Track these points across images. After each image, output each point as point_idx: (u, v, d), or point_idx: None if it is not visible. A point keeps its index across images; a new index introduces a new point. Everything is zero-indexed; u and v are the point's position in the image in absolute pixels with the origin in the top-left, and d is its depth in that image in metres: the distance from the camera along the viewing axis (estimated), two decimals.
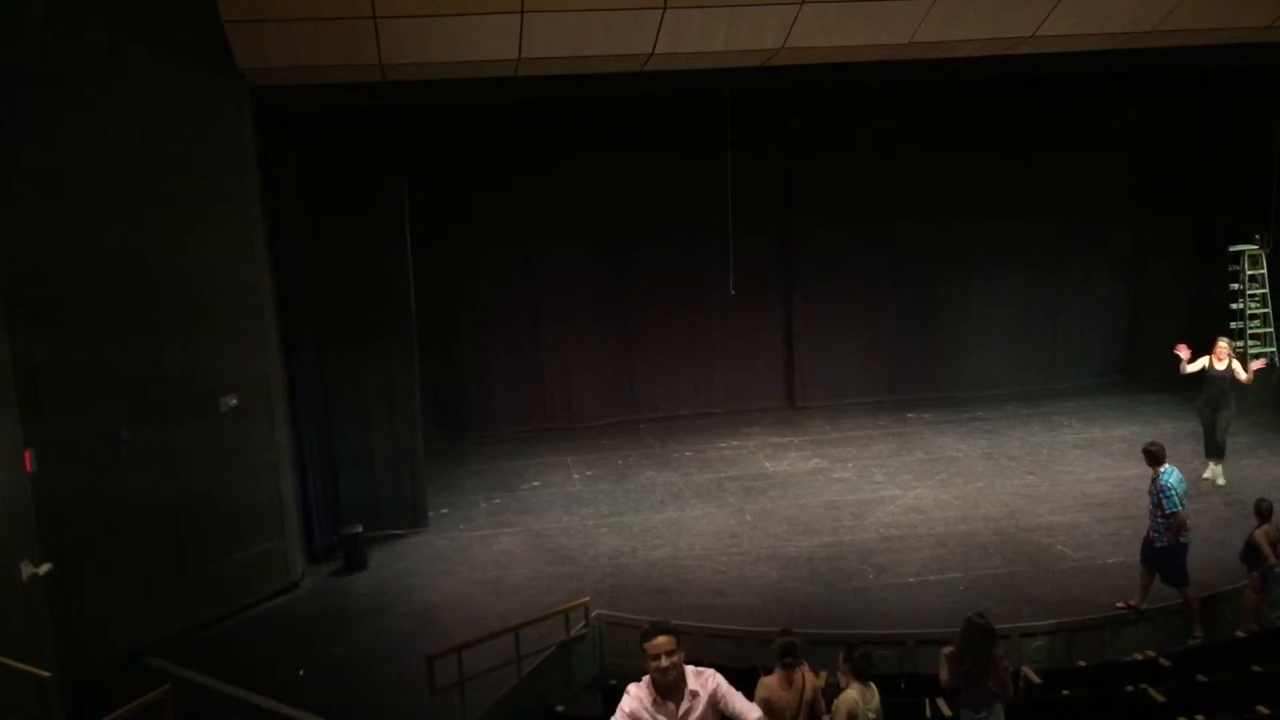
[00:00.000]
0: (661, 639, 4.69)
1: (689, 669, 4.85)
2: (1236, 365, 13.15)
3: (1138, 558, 10.53)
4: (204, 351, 10.57)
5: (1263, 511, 9.84)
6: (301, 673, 10.04)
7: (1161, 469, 10.13)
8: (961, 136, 15.50)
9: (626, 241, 15.79)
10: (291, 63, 10.21)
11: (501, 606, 10.87)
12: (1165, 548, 10.11)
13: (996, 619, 10.23)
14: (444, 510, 13.50)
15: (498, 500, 13.83)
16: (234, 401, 10.78)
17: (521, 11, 9.58)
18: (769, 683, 7.13)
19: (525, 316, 15.94)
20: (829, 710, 7.28)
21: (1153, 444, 10.38)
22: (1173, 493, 10.00)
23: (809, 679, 7.22)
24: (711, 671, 4.94)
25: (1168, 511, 9.98)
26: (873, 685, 7.24)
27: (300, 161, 11.82)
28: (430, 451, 13.85)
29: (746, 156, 15.01)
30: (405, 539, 12.83)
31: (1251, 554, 9.82)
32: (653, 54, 10.59)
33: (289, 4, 9.35)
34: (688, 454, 15.13)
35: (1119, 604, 10.41)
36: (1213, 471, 13.43)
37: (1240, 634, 9.69)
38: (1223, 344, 13.32)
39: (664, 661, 4.68)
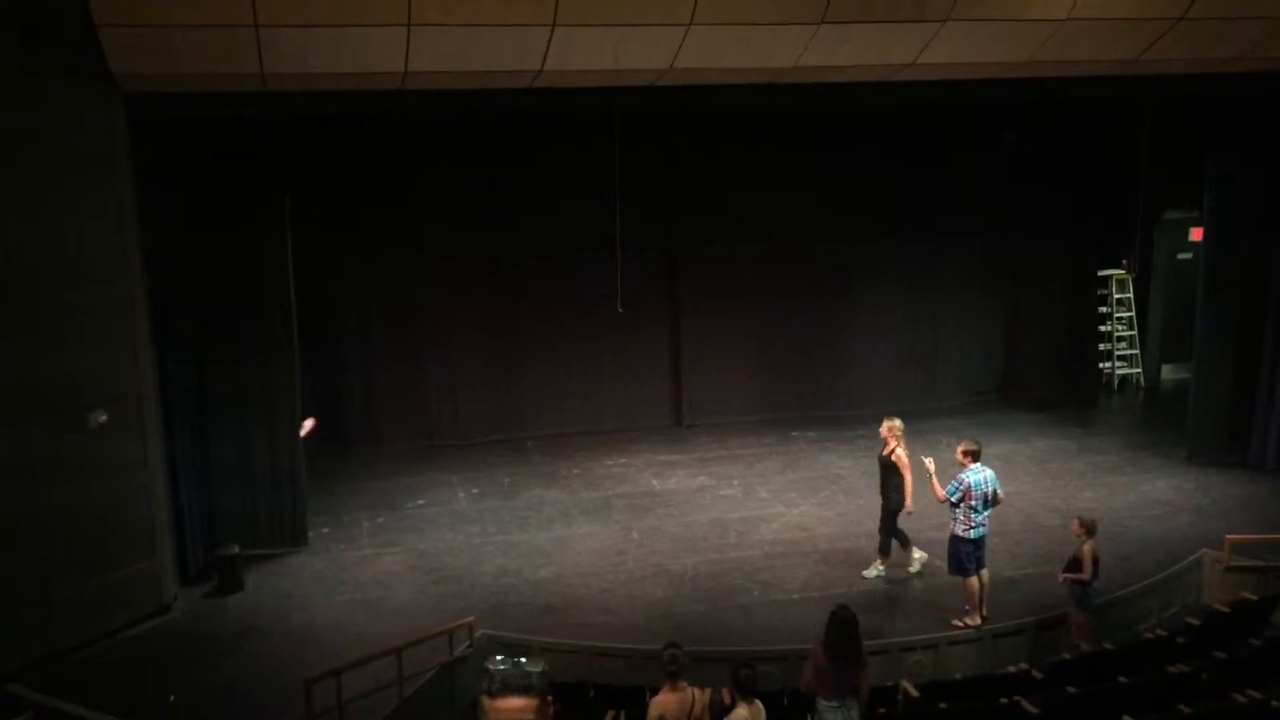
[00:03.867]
0: (512, 701, 2.94)
1: None
2: (901, 453, 11.36)
3: (1015, 571, 10.83)
4: (72, 365, 10.14)
5: (1089, 527, 10.20)
6: (173, 699, 9.69)
7: (971, 466, 10.46)
8: (846, 158, 15.81)
9: (515, 258, 15.73)
10: (168, 70, 9.92)
11: (383, 628, 10.67)
12: (950, 537, 10.56)
13: (877, 634, 10.51)
14: (325, 529, 13.22)
15: (381, 519, 13.59)
16: (104, 418, 10.39)
17: (408, 25, 9.48)
18: (661, 701, 7.15)
19: (412, 333, 15.75)
20: None
21: (973, 443, 10.71)
22: (958, 484, 10.39)
23: (697, 695, 7.26)
24: None
25: (944, 496, 10.44)
26: (758, 702, 7.31)
27: (179, 170, 11.47)
28: (313, 469, 13.57)
29: (635, 175, 15.09)
30: (284, 559, 12.52)
31: (1075, 564, 10.22)
32: (541, 71, 10.58)
33: (166, 9, 9.08)
34: (575, 472, 15.09)
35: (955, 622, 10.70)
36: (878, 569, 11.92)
37: (1066, 656, 10.01)
38: (884, 426, 11.59)
39: None
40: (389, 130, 13.88)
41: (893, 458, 11.38)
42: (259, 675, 10.16)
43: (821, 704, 7.79)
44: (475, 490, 14.50)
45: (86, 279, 10.27)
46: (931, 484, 10.80)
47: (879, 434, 11.59)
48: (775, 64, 11.09)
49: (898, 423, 11.49)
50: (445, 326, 15.81)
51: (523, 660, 3.05)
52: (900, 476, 11.37)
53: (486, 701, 2.97)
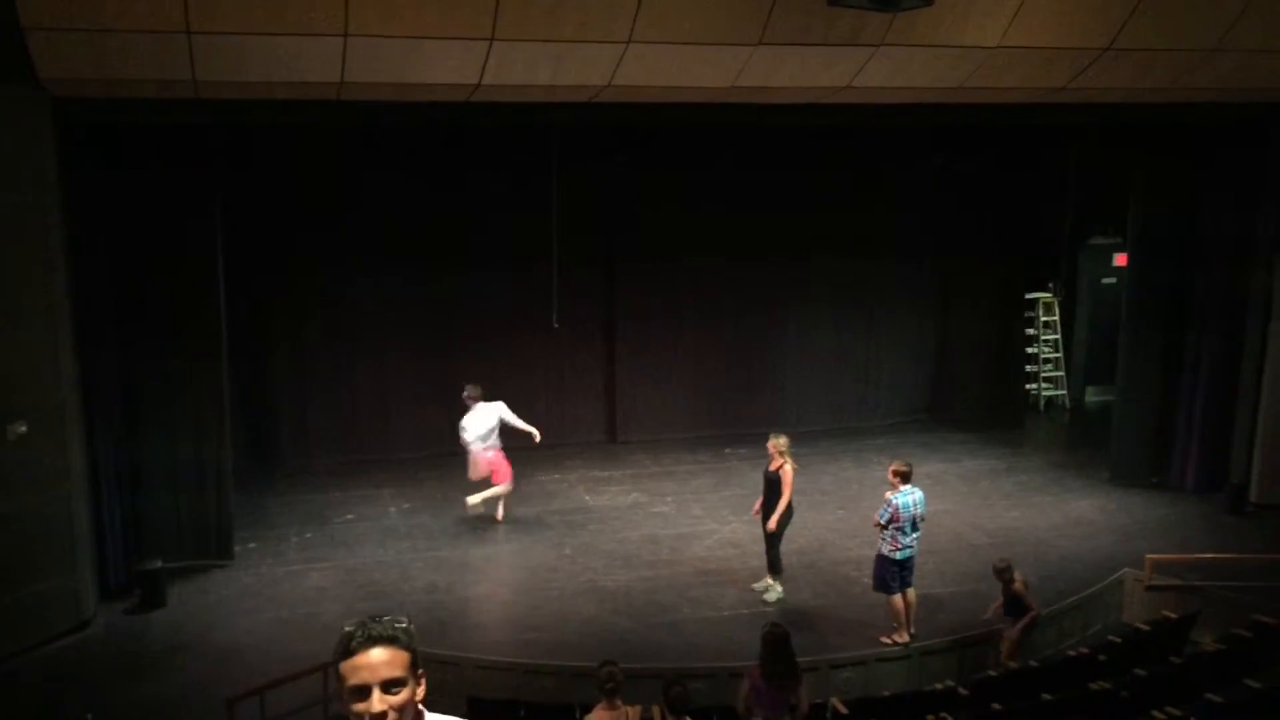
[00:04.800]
0: (378, 653, 2.63)
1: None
2: (788, 469, 11.41)
3: (943, 590, 10.95)
4: None
5: (1002, 571, 10.38)
6: (89, 717, 9.44)
7: (901, 488, 10.60)
8: (782, 177, 15.98)
9: (450, 273, 15.64)
10: (98, 75, 9.73)
11: (311, 645, 10.44)
12: (877, 556, 10.72)
13: (806, 650, 10.56)
14: (252, 545, 13.00)
15: (309, 534, 13.41)
16: (23, 429, 10.13)
17: (345, 35, 9.40)
18: (597, 717, 7.12)
19: (344, 346, 15.60)
20: None
21: (903, 464, 10.85)
22: (887, 505, 10.54)
23: (630, 711, 7.25)
24: None
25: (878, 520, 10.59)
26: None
27: (107, 177, 11.27)
28: (240, 483, 13.36)
29: (572, 191, 15.11)
30: (209, 574, 12.28)
31: (1016, 605, 10.35)
32: (479, 85, 10.55)
33: (96, 13, 8.90)
34: None
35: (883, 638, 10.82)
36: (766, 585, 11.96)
37: (992, 673, 10.17)
38: (770, 443, 11.59)
39: (376, 702, 2.61)
40: (325, 141, 13.77)
41: (779, 473, 11.39)
42: (181, 693, 9.95)
43: None
44: (406, 505, 14.35)
45: (7, 288, 10.02)
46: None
47: (767, 450, 11.56)
48: (713, 84, 11.18)
49: (783, 440, 11.50)
50: (377, 339, 15.67)
51: (386, 618, 2.75)
52: (781, 493, 11.38)
53: (346, 663, 2.64)
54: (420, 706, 2.75)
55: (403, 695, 2.67)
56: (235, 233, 12.60)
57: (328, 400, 15.63)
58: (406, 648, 2.70)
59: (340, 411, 15.73)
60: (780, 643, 7.98)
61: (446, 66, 10.25)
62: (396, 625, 2.73)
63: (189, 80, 9.85)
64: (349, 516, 13.93)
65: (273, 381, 15.45)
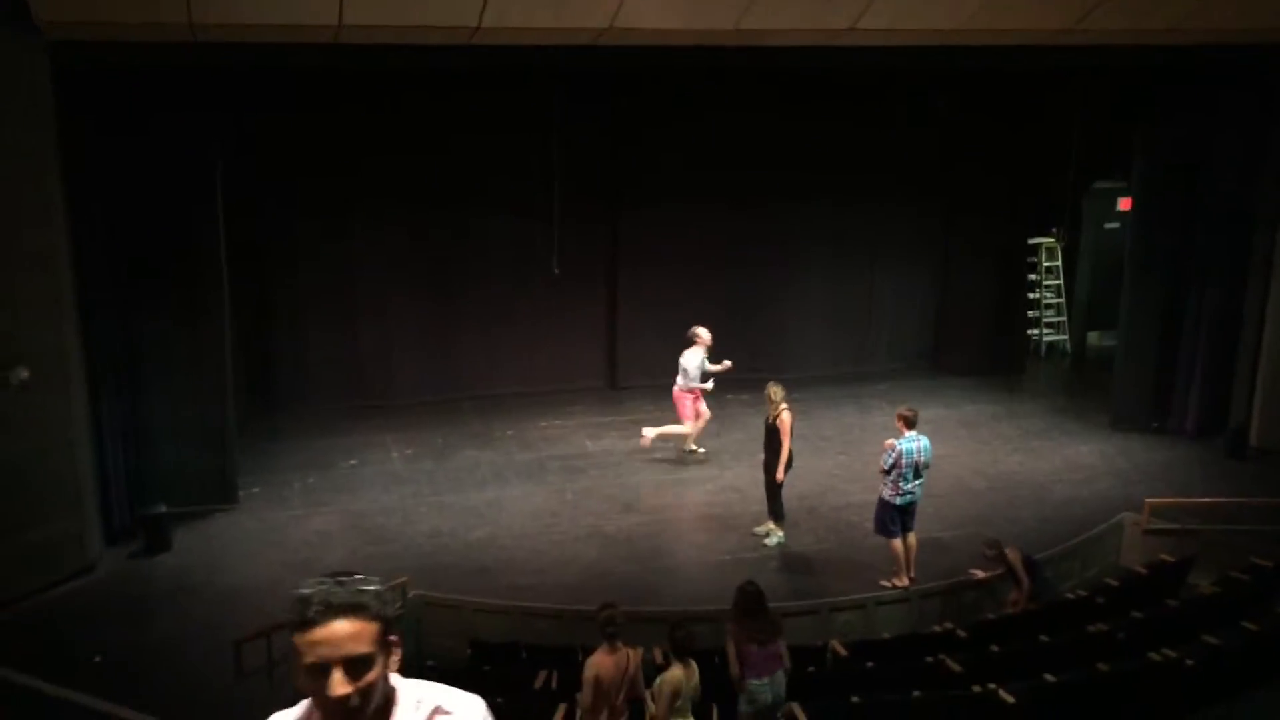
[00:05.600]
0: (340, 626, 2.20)
1: (420, 691, 2.39)
2: (785, 418, 11.50)
3: (944, 533, 11.01)
4: None
5: (993, 545, 10.36)
6: (98, 659, 9.56)
7: (906, 434, 10.64)
8: (784, 124, 15.84)
9: (451, 219, 15.57)
10: (93, 18, 9.63)
11: None
12: (878, 500, 10.81)
13: (807, 594, 10.67)
14: (255, 489, 13.07)
15: (312, 479, 13.47)
16: (25, 374, 10.14)
17: None
18: (597, 661, 7.19)
19: (346, 292, 15.57)
20: (648, 686, 7.39)
21: (909, 410, 10.88)
22: (891, 452, 10.61)
23: (631, 654, 7.31)
24: (471, 703, 2.46)
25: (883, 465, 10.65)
26: (693, 663, 7.37)
27: (105, 122, 11.18)
28: (244, 428, 13.40)
29: (574, 137, 15.02)
30: (213, 519, 12.36)
31: (1013, 576, 10.37)
32: (479, 28, 10.43)
33: None
34: (509, 433, 15.06)
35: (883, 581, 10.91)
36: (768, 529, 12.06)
37: (990, 616, 10.30)
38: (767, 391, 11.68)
39: (337, 684, 2.20)
40: (325, 88, 13.60)
41: (776, 423, 11.45)
42: (187, 636, 10.05)
43: (753, 685, 7.68)
44: (409, 451, 14.41)
45: (7, 233, 9.99)
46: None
47: (767, 398, 11.60)
48: (716, 26, 11.04)
49: (779, 389, 11.54)
50: (379, 285, 15.63)
51: (356, 577, 2.28)
52: (780, 442, 11.45)
53: (302, 636, 2.20)
54: (394, 677, 2.33)
55: (370, 675, 2.22)
56: (236, 181, 12.51)
57: (330, 348, 15.61)
58: (376, 617, 2.23)
59: (342, 359, 15.72)
60: (754, 600, 7.89)
61: (445, 7, 10.12)
62: (364, 589, 2.24)
63: (184, 24, 9.73)
64: (352, 462, 13.99)
65: (277, 328, 15.43)
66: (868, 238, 17.37)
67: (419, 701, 2.37)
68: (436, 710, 2.38)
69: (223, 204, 11.96)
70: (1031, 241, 18.96)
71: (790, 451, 11.53)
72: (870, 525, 11.20)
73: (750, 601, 7.89)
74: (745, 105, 15.44)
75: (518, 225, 15.62)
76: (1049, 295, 19.43)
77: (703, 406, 13.87)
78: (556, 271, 15.26)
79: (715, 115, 15.56)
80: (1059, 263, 19.38)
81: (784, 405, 11.47)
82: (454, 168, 15.17)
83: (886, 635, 10.06)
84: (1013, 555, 10.34)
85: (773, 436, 11.52)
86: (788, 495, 11.95)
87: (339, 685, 2.20)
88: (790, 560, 11.55)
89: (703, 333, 13.70)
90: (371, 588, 2.26)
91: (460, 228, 15.64)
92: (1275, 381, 13.88)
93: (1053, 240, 19.26)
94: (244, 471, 13.05)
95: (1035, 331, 19.39)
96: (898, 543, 10.78)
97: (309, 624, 2.20)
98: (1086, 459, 14.20)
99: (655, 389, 16.58)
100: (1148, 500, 11.91)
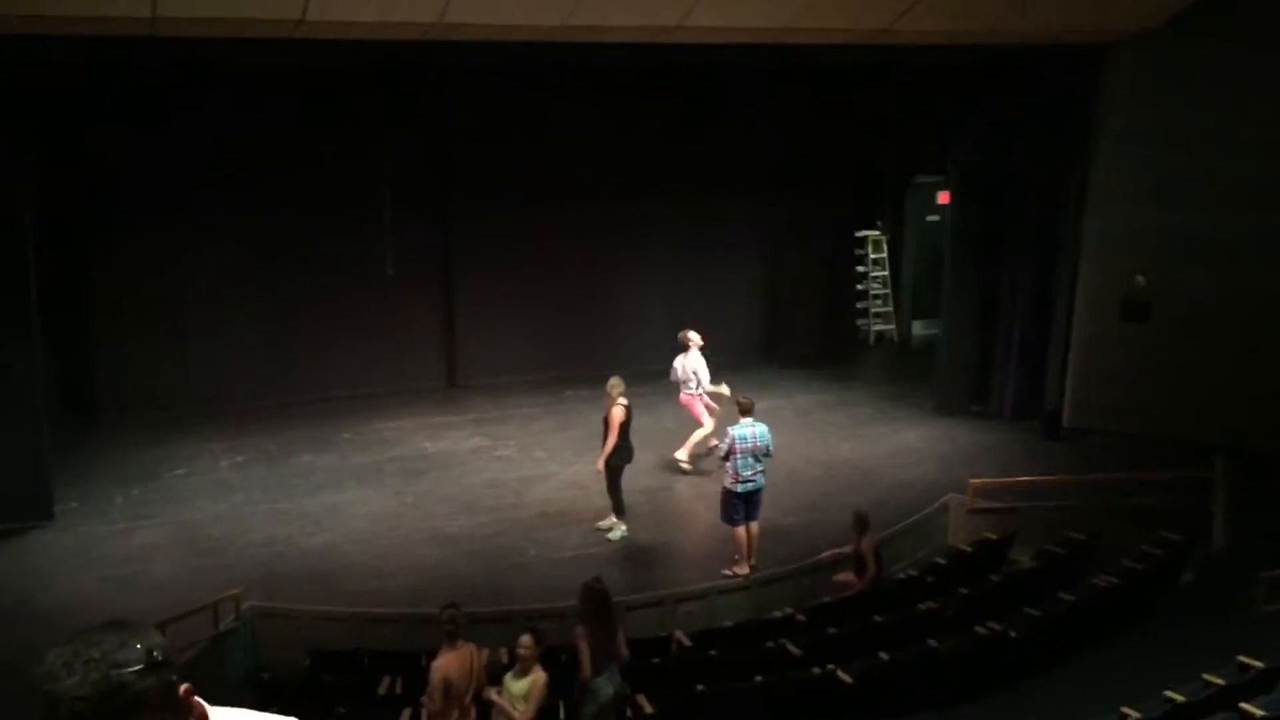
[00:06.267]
0: None
1: None
2: (616, 411, 11.69)
3: (780, 520, 11.24)
4: None
5: (862, 521, 10.52)
6: None
7: (741, 421, 10.93)
8: (617, 120, 15.95)
9: (281, 221, 15.13)
10: None
11: (143, 604, 10.11)
12: (722, 489, 11.07)
13: (651, 586, 10.77)
14: (73, 504, 12.41)
15: (136, 491, 12.89)
16: None
17: None
18: (444, 663, 7.12)
19: (168, 296, 14.97)
20: (493, 685, 7.37)
21: (744, 399, 11.23)
22: (725, 440, 10.97)
23: (475, 652, 7.27)
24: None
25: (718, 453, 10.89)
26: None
27: None
28: (58, 440, 12.71)
29: (406, 136, 14.80)
30: (27, 536, 11.69)
31: (860, 563, 10.55)
32: (303, 20, 10.14)
33: None
34: (345, 436, 14.73)
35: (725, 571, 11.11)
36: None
37: (827, 599, 10.59)
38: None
39: None
40: (150, 84, 13.03)
41: (608, 415, 11.63)
42: (9, 661, 9.45)
43: (597, 682, 7.68)
44: (239, 458, 13.94)
45: None
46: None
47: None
48: (545, 22, 11.01)
49: (612, 381, 11.78)
50: (203, 290, 15.08)
51: (114, 637, 1.78)
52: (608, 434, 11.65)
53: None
54: (210, 710, 2.00)
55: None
56: (57, 191, 11.88)
57: (150, 353, 14.96)
58: (149, 696, 1.76)
59: (164, 364, 15.08)
60: (600, 598, 7.90)
61: (266, 1, 9.82)
62: (123, 670, 1.74)
63: None
64: (178, 471, 13.45)
65: (91, 333, 14.71)
66: (703, 234, 17.59)
67: None
68: None
69: (37, 217, 11.29)
70: (858, 234, 19.57)
71: (628, 446, 11.63)
72: (712, 515, 11.38)
73: (598, 600, 7.90)
74: (576, 104, 15.47)
75: (350, 227, 15.27)
76: (876, 286, 20.09)
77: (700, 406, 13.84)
78: (391, 273, 14.99)
79: (547, 117, 15.55)
80: (885, 254, 20.05)
81: (620, 399, 11.55)
82: (284, 171, 14.68)
83: (729, 623, 10.24)
84: (869, 542, 10.55)
85: (605, 429, 11.61)
86: (630, 488, 12.03)
87: None
88: (632, 553, 11.63)
89: (693, 335, 13.84)
90: (134, 657, 1.76)
91: (291, 231, 15.23)
92: (1085, 365, 14.65)
93: (878, 233, 19.92)
94: (61, 485, 12.38)
95: (864, 322, 20.02)
96: (741, 530, 10.98)
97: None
98: (913, 443, 14.73)
99: (495, 387, 16.52)
100: (971, 481, 12.42)
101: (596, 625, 7.77)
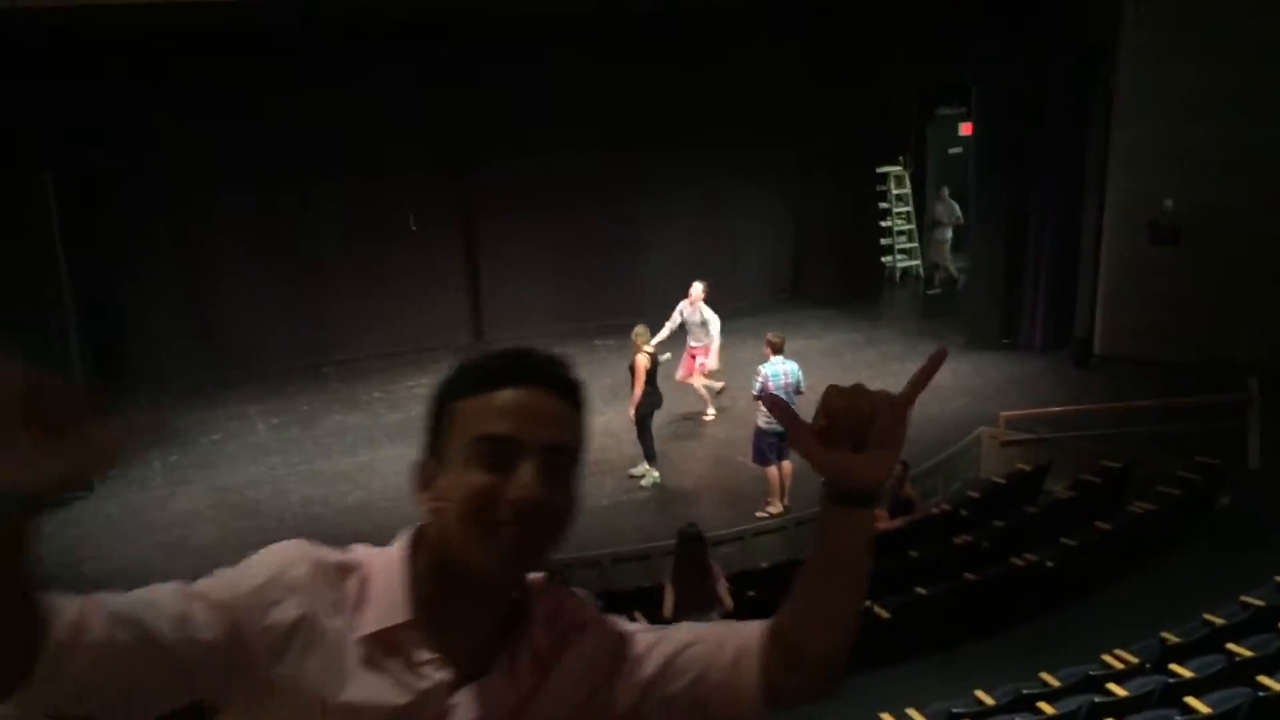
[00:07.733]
0: (544, 396, 1.59)
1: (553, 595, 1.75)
2: (641, 359, 11.86)
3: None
4: None
5: (901, 464, 10.44)
6: None
7: (771, 359, 10.92)
8: (633, 71, 15.74)
9: (304, 182, 15.12)
10: None
11: (186, 568, 10.09)
12: (754, 429, 11.08)
13: None
14: (112, 472, 12.56)
15: (174, 457, 13.04)
16: None
17: None
18: None
19: (198, 261, 15.00)
20: None
21: (775, 336, 11.18)
22: (757, 378, 10.90)
23: None
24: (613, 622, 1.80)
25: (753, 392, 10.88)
26: None
27: None
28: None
29: (424, 88, 14.69)
30: (68, 506, 11.78)
31: (904, 505, 10.60)
32: None
33: None
34: (376, 395, 14.83)
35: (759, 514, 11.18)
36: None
37: None
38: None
39: (526, 480, 1.51)
40: (160, 59, 12.98)
41: (634, 363, 11.71)
42: None
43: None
44: (275, 421, 14.07)
45: None
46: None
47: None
48: None
49: (637, 329, 11.85)
50: (232, 256, 15.12)
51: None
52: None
53: (475, 400, 1.60)
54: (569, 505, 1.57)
55: (571, 487, 1.55)
56: (77, 158, 11.91)
57: (181, 318, 15.05)
58: (581, 414, 1.53)
59: (196, 329, 15.18)
60: (691, 542, 8.03)
61: None
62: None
63: None
64: (215, 436, 13.60)
65: (123, 300, 14.81)
66: (727, 178, 17.47)
67: (565, 596, 1.68)
68: (572, 628, 1.70)
69: (59, 186, 11.36)
70: (880, 170, 19.37)
71: (657, 392, 11.67)
72: (743, 458, 11.41)
73: (684, 545, 8.03)
74: (596, 52, 15.29)
75: (370, 185, 15.24)
76: (900, 222, 19.90)
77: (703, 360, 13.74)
78: (414, 228, 14.98)
79: (565, 62, 15.38)
80: (908, 189, 19.84)
81: (646, 347, 11.60)
82: (302, 126, 14.61)
83: (765, 564, 10.30)
84: (911, 487, 10.63)
85: (632, 378, 11.61)
86: (661, 434, 12.07)
87: (530, 481, 1.45)
88: (667, 497, 11.70)
89: (696, 287, 13.52)
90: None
91: (311, 191, 15.20)
92: (1114, 289, 14.51)
93: (900, 168, 19.71)
94: None
95: (889, 258, 19.88)
96: (773, 470, 11.00)
97: (494, 382, 1.46)
98: (943, 378, 14.32)
99: (523, 340, 16.50)
100: (1002, 414, 12.39)
101: (684, 570, 7.88)
